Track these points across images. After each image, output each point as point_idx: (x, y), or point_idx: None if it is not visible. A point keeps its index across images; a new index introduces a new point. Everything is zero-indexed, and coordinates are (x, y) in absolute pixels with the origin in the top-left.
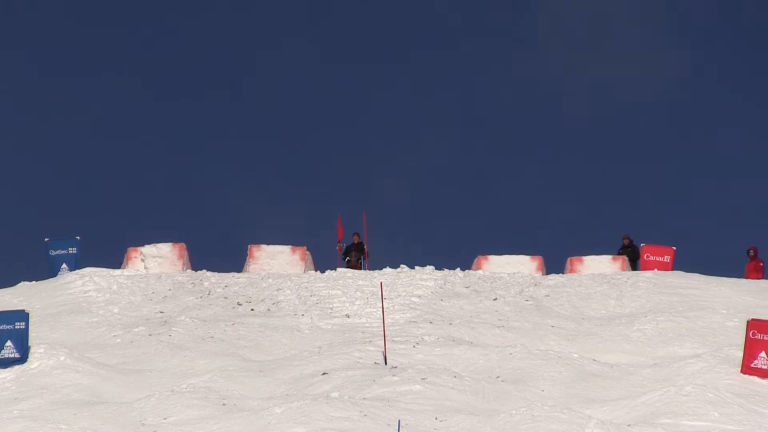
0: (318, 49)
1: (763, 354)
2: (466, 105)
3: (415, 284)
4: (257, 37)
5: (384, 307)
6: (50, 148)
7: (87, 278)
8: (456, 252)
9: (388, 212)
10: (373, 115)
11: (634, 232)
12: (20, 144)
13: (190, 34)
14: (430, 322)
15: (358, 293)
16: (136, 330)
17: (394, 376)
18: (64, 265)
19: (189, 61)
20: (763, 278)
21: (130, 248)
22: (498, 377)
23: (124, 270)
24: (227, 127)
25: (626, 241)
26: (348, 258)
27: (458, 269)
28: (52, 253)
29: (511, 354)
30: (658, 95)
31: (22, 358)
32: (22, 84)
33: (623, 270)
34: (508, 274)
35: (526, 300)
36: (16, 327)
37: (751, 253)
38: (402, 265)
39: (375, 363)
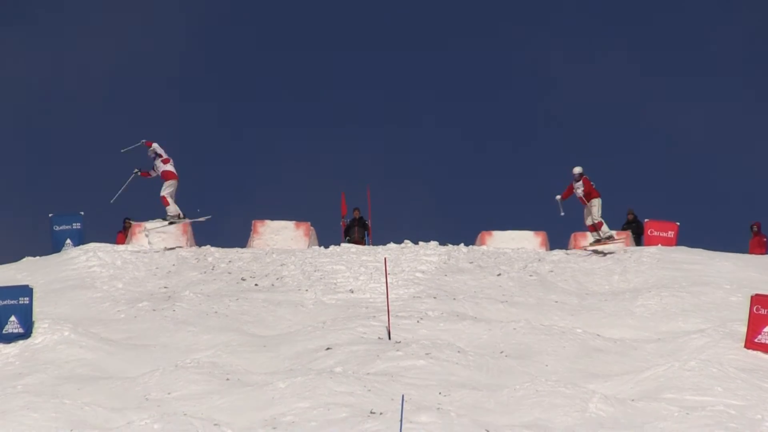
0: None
1: (767, 329)
2: (470, 79)
3: (419, 259)
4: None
5: (388, 282)
6: (53, 122)
7: (91, 253)
8: (460, 227)
9: (392, 187)
10: (378, 90)
11: (639, 208)
12: (22, 121)
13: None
14: (434, 298)
15: (362, 268)
16: (140, 305)
17: (397, 351)
18: (68, 241)
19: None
20: (766, 253)
21: (134, 223)
22: (502, 352)
23: (128, 245)
24: (232, 101)
25: (630, 217)
26: (349, 237)
27: (462, 245)
28: (56, 228)
29: (514, 329)
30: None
31: (26, 333)
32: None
33: (627, 245)
34: (512, 249)
35: (530, 275)
36: (19, 302)
37: (755, 228)
38: (406, 241)
39: (379, 338)
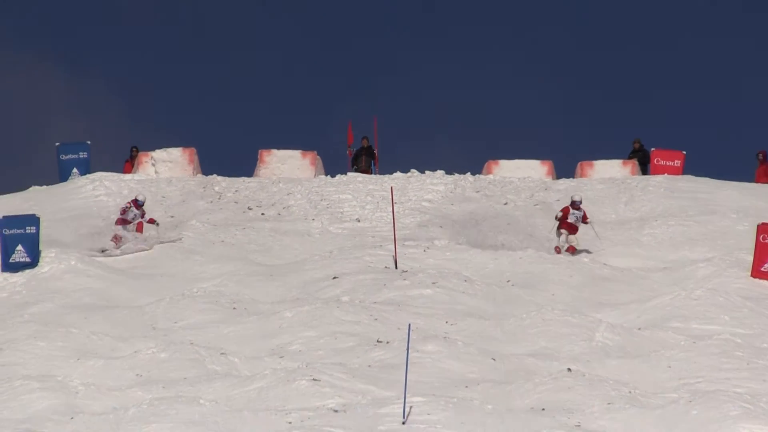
0: None
1: None
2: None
3: (425, 189)
4: None
5: (394, 211)
6: (67, 48)
7: (98, 183)
8: (467, 156)
9: (399, 117)
10: (386, 20)
11: (645, 137)
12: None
13: None
14: (441, 227)
15: (369, 198)
16: (146, 234)
17: (404, 280)
18: (74, 170)
19: None
20: None
21: (140, 152)
22: (508, 281)
23: (135, 174)
24: (240, 29)
25: (637, 146)
26: (356, 166)
27: (468, 174)
28: (63, 157)
29: (521, 258)
30: None
31: (33, 263)
32: None
33: (633, 174)
34: (519, 178)
35: (536, 204)
36: (26, 231)
37: (761, 157)
38: (412, 170)
39: (385, 267)
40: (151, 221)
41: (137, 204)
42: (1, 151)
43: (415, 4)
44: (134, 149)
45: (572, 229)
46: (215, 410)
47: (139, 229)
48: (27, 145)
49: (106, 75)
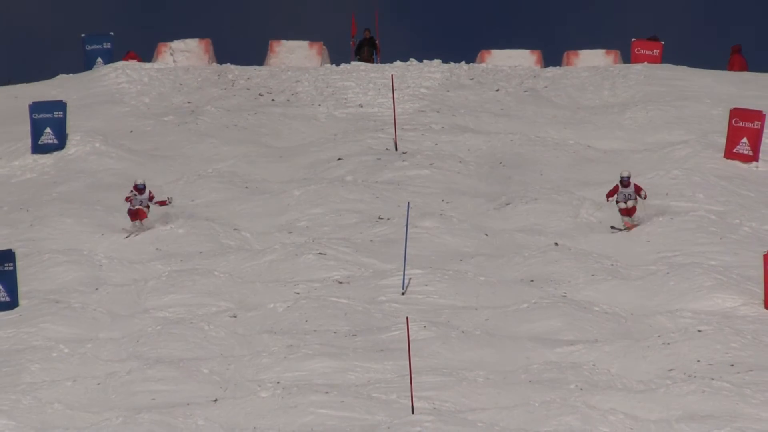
0: None
1: (744, 140)
2: None
3: (423, 76)
4: None
5: (394, 97)
6: None
7: (120, 71)
8: (461, 46)
9: (399, 8)
10: None
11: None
12: None
13: None
14: (438, 112)
15: (371, 85)
16: (165, 119)
17: (404, 161)
18: (99, 59)
19: None
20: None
21: (160, 43)
22: (500, 163)
23: (155, 63)
24: None
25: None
26: (359, 55)
27: (463, 62)
28: (88, 47)
29: (512, 141)
30: None
31: (60, 145)
32: None
33: (616, 63)
34: (510, 66)
35: (525, 91)
36: (54, 116)
37: (735, 49)
38: (411, 59)
39: (386, 149)
40: (163, 203)
41: (138, 189)
42: (31, 41)
43: None
44: (130, 55)
45: (629, 212)
46: (229, 282)
47: (142, 216)
48: (55, 36)
49: None
